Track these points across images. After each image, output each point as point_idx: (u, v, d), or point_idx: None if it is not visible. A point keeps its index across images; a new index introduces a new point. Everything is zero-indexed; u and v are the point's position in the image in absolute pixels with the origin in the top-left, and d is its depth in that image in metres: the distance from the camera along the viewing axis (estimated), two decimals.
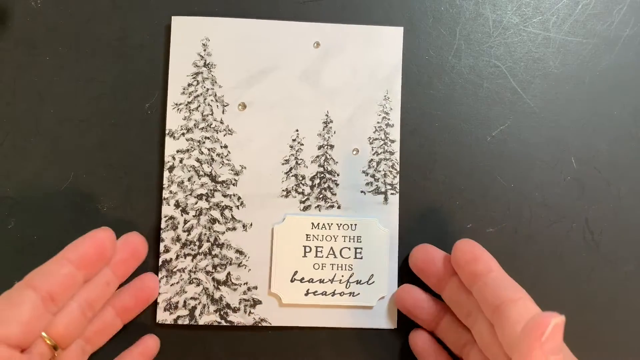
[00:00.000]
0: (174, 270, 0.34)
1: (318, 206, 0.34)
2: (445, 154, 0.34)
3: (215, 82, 0.34)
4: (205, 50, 0.34)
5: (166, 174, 0.34)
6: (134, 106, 0.33)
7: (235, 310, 0.34)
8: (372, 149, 0.35)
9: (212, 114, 0.34)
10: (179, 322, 0.33)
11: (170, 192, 0.34)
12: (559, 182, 0.34)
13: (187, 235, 0.34)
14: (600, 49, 0.34)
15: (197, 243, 0.34)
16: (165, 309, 0.33)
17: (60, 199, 0.33)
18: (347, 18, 0.34)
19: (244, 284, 0.34)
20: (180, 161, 0.34)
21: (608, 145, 0.34)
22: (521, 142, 0.34)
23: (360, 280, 0.34)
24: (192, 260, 0.34)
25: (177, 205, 0.34)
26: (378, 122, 0.35)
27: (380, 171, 0.35)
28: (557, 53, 0.34)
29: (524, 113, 0.34)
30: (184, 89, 0.34)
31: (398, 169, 0.34)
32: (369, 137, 0.35)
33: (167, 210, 0.34)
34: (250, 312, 0.34)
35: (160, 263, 0.33)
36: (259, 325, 0.33)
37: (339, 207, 0.34)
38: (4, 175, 0.33)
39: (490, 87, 0.34)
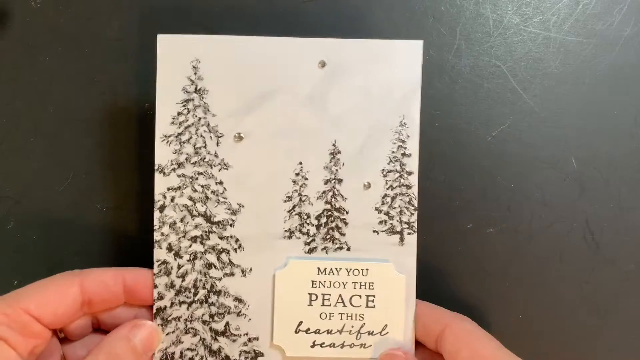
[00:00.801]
0: (169, 319, 0.31)
1: (325, 248, 0.31)
2: (445, 154, 0.34)
3: (208, 110, 0.31)
4: (195, 73, 0.31)
5: (157, 214, 0.30)
6: (134, 106, 0.33)
7: None
8: (386, 183, 0.31)
9: (205, 147, 0.31)
10: None
11: (162, 234, 0.30)
12: (559, 182, 0.34)
13: (182, 281, 0.31)
14: (601, 48, 0.34)
15: (193, 290, 0.31)
16: None
17: (60, 199, 0.33)
18: (348, 22, 0.33)
19: (244, 334, 0.31)
20: (172, 200, 0.31)
21: (608, 145, 0.34)
22: (521, 142, 0.34)
23: (373, 331, 0.31)
24: (188, 309, 0.31)
25: (169, 248, 0.31)
26: (393, 152, 0.31)
27: (395, 208, 0.31)
28: (557, 53, 0.34)
29: (525, 113, 0.34)
30: (173, 118, 0.30)
31: (416, 205, 0.31)
32: (383, 169, 0.31)
33: (159, 254, 0.30)
34: None
35: (154, 311, 0.31)
36: None
37: (348, 249, 0.31)
38: (3, 175, 0.33)
39: (491, 87, 0.34)
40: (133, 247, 0.33)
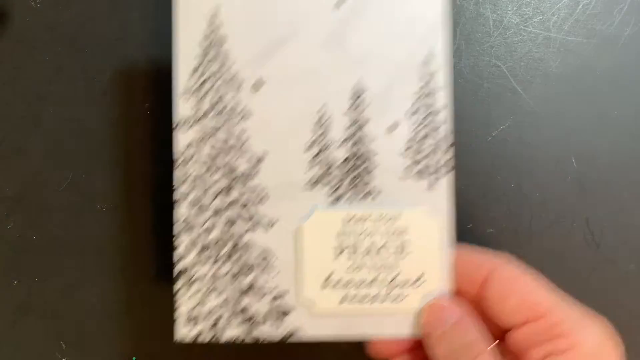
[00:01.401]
0: (193, 279, 0.29)
1: (350, 196, 0.30)
2: None
3: (228, 57, 0.29)
4: (215, 21, 0.29)
5: (178, 170, 0.30)
6: (133, 106, 0.33)
7: (262, 321, 0.30)
8: (414, 124, 0.29)
9: (225, 97, 0.30)
10: (200, 337, 0.29)
11: (183, 190, 0.29)
12: (559, 182, 0.34)
13: (206, 238, 0.30)
14: (601, 48, 0.34)
15: (217, 246, 0.30)
16: (185, 324, 0.29)
17: (60, 199, 0.33)
18: None
19: (272, 290, 0.30)
20: (192, 155, 0.30)
21: (609, 145, 0.34)
22: (521, 142, 0.34)
23: (408, 281, 0.29)
24: (212, 266, 0.29)
25: (192, 205, 0.29)
26: (421, 88, 0.29)
27: (423, 151, 0.29)
28: (557, 53, 0.34)
29: (525, 113, 0.34)
30: (193, 70, 0.29)
31: (448, 145, 0.29)
32: (408, 110, 0.29)
33: (180, 211, 0.29)
34: (279, 323, 0.30)
35: (176, 272, 0.30)
36: (289, 339, 0.29)
37: (375, 197, 0.29)
38: (3, 175, 0.33)
39: (491, 87, 0.34)
40: (136, 248, 0.33)
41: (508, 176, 0.34)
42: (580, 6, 0.34)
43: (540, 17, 0.34)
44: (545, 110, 0.34)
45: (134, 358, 0.34)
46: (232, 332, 0.29)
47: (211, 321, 0.29)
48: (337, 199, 0.29)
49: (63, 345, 0.34)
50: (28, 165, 0.34)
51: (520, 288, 0.26)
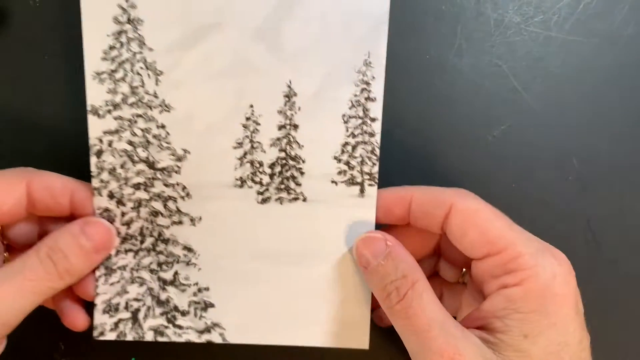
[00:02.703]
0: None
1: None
2: (445, 154, 0.34)
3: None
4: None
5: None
6: None
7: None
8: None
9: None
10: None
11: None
12: (560, 182, 0.34)
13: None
14: (602, 48, 0.34)
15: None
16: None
17: None
18: None
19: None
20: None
21: (609, 145, 0.35)
22: (522, 142, 0.34)
23: None
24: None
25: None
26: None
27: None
28: (558, 52, 0.34)
29: (525, 113, 0.34)
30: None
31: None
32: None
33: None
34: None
35: None
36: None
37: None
38: None
39: (492, 87, 0.34)
40: None
41: (508, 176, 0.34)
42: (581, 6, 0.34)
43: (541, 17, 0.35)
44: (546, 110, 0.35)
45: (133, 358, 0.34)
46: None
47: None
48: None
49: (62, 345, 0.35)
50: (27, 165, 0.34)
51: (480, 222, 0.27)
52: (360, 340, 0.30)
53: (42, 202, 0.28)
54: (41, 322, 0.34)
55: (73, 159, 0.35)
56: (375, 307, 0.30)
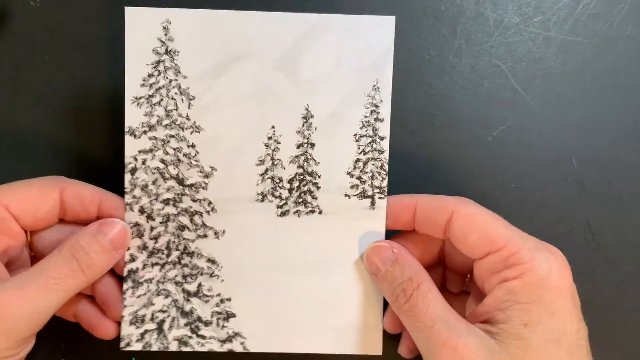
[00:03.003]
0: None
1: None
2: (445, 154, 0.34)
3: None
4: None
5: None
6: None
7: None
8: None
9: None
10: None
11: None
12: (559, 182, 0.35)
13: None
14: (601, 48, 0.35)
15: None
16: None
17: None
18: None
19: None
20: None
21: (609, 145, 0.36)
22: (522, 142, 0.35)
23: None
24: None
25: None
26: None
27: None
28: (558, 53, 0.35)
29: (525, 113, 0.35)
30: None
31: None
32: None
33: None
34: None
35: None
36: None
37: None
38: (4, 175, 0.34)
39: (491, 87, 0.34)
40: None
41: (508, 176, 0.35)
42: (580, 6, 0.35)
43: (541, 17, 0.35)
44: (545, 110, 0.35)
45: (133, 358, 0.34)
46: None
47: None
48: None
49: (63, 345, 0.35)
50: (28, 165, 0.34)
51: (480, 224, 0.30)
52: (374, 346, 0.34)
53: (72, 209, 0.32)
54: None
55: (74, 159, 0.35)
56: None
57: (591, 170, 0.37)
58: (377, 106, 0.32)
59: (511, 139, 0.37)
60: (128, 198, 0.32)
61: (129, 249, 0.32)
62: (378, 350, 0.34)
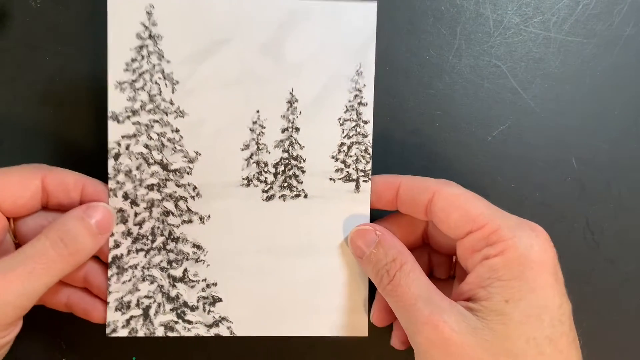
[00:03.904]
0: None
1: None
2: (445, 154, 0.34)
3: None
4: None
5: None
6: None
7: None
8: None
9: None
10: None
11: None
12: (559, 182, 0.35)
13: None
14: (601, 49, 0.35)
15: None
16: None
17: None
18: None
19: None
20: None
21: (609, 146, 0.36)
22: (522, 142, 0.35)
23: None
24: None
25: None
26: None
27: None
28: (557, 53, 0.35)
29: (525, 113, 0.35)
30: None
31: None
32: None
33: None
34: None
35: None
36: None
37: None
38: None
39: (491, 87, 0.34)
40: None
41: (508, 176, 0.35)
42: (580, 6, 0.35)
43: (541, 17, 0.35)
44: (545, 110, 0.35)
45: (133, 358, 0.34)
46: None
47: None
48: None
49: (63, 345, 0.35)
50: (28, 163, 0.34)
51: (461, 204, 0.31)
52: (360, 328, 0.34)
53: (55, 196, 0.32)
54: (42, 321, 0.34)
55: (74, 159, 0.35)
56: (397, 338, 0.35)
57: (591, 170, 0.37)
58: (360, 90, 0.32)
59: (511, 139, 0.37)
60: (112, 184, 0.32)
61: (113, 234, 0.32)
62: (364, 332, 0.34)
